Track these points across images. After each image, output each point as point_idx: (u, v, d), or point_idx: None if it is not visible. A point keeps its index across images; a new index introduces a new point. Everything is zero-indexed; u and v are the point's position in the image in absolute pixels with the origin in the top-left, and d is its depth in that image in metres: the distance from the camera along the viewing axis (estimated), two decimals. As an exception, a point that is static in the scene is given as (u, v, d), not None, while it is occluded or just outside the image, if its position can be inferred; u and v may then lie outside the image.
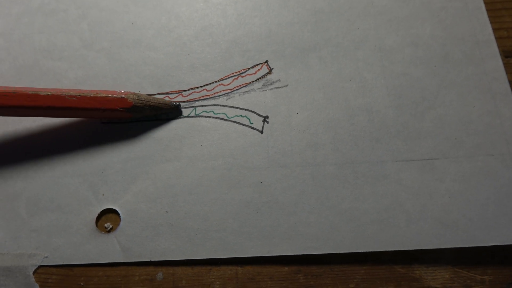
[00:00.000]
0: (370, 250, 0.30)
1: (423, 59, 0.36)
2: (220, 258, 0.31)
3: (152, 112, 0.34)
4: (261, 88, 0.36)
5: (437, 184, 0.32)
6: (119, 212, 0.32)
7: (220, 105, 0.35)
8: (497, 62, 0.35)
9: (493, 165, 0.32)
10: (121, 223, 0.32)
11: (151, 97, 0.34)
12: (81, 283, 0.31)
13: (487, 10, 0.38)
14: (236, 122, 0.35)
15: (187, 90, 0.36)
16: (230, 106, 0.35)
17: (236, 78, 0.36)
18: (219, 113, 0.35)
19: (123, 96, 0.32)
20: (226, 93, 0.36)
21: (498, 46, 0.37)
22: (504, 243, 0.30)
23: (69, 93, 0.31)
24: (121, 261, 0.31)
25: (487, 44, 0.36)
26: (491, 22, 0.37)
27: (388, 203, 0.31)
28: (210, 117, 0.35)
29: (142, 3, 0.39)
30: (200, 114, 0.35)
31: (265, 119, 0.34)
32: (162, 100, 0.34)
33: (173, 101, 0.34)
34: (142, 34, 0.38)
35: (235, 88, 0.36)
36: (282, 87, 0.36)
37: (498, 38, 0.37)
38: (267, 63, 0.36)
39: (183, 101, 0.35)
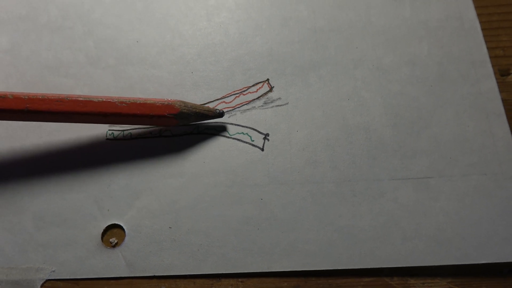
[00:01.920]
0: (366, 267, 0.31)
1: (420, 78, 0.37)
2: (222, 273, 0.32)
3: (197, 119, 0.35)
4: (262, 106, 0.37)
5: (431, 202, 0.33)
6: (124, 227, 0.33)
7: (222, 123, 0.36)
8: (492, 82, 0.36)
9: (486, 184, 0.33)
10: (126, 238, 0.33)
11: (197, 105, 0.35)
12: (87, 297, 0.32)
13: (484, 29, 0.39)
14: (238, 140, 0.36)
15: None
16: (231, 124, 0.36)
17: (238, 96, 0.37)
18: (221, 131, 0.36)
19: (170, 103, 0.33)
20: (228, 111, 0.36)
21: (495, 65, 0.38)
22: (496, 261, 0.31)
23: (119, 99, 0.33)
24: (126, 276, 0.32)
25: (482, 64, 0.37)
26: (487, 41, 0.38)
27: (384, 221, 0.32)
28: (212, 134, 0.36)
29: (147, 21, 0.40)
30: (203, 131, 0.36)
31: (266, 136, 0.36)
32: (207, 107, 0.35)
33: (218, 109, 0.35)
34: (147, 52, 0.39)
35: (237, 106, 0.37)
36: (283, 105, 0.37)
37: (494, 57, 0.38)
38: (268, 82, 0.37)
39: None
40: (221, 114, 0.35)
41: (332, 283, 0.32)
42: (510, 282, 0.32)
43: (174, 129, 0.36)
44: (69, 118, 0.32)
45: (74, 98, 0.32)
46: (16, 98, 0.31)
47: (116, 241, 0.33)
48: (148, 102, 0.33)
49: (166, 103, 0.33)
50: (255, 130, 0.36)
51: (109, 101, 0.32)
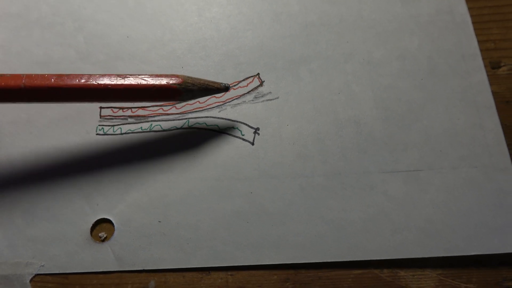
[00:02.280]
0: (356, 259, 0.31)
1: (410, 72, 0.37)
2: (211, 267, 0.32)
3: (201, 93, 0.33)
4: (252, 100, 0.37)
5: (421, 195, 0.33)
6: (113, 221, 0.33)
7: (213, 117, 0.36)
8: (482, 75, 0.36)
9: (476, 176, 0.33)
10: (115, 232, 0.33)
11: (201, 78, 0.33)
12: (76, 291, 0.32)
13: (475, 22, 0.39)
14: (228, 134, 0.35)
15: (181, 102, 0.36)
16: (222, 118, 0.36)
17: (228, 91, 0.37)
18: (212, 125, 0.36)
19: (173, 76, 0.32)
20: (218, 105, 0.36)
21: (485, 58, 0.38)
22: (485, 253, 0.31)
23: (120, 75, 0.32)
24: (115, 270, 0.32)
25: (473, 57, 0.37)
26: (478, 34, 0.38)
27: (374, 213, 0.32)
28: (202, 128, 0.36)
29: (137, 17, 0.40)
30: (193, 126, 0.36)
31: (256, 131, 0.35)
32: (212, 81, 0.34)
33: (223, 83, 0.34)
34: (137, 47, 0.39)
35: (227, 101, 0.37)
36: (273, 99, 0.37)
37: (485, 50, 0.38)
38: (259, 76, 0.37)
39: (177, 113, 0.36)
40: (226, 88, 0.34)
41: (322, 275, 0.32)
42: (500, 273, 0.31)
43: (165, 124, 0.36)
44: (68, 96, 0.31)
45: (73, 75, 0.31)
46: (14, 76, 0.31)
47: (105, 236, 0.33)
48: (151, 75, 0.32)
49: (169, 75, 0.32)
50: (246, 124, 0.36)
51: (111, 76, 0.32)
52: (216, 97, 0.37)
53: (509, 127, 0.35)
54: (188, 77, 0.33)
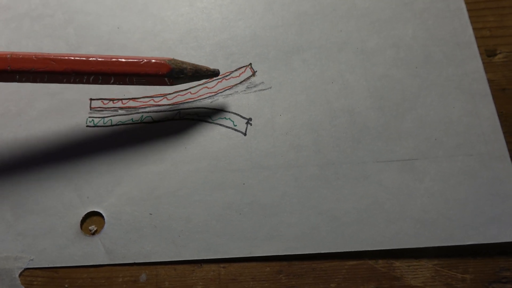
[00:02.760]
0: (350, 250, 0.31)
1: (405, 60, 0.36)
2: (203, 259, 0.31)
3: (192, 77, 0.33)
4: (244, 90, 0.36)
5: (416, 184, 0.32)
6: (104, 214, 0.32)
7: (204, 108, 0.36)
8: (477, 63, 0.35)
9: (472, 165, 0.32)
10: (106, 225, 0.32)
11: (188, 62, 0.33)
12: (66, 285, 0.31)
13: (470, 10, 0.38)
14: (220, 125, 0.35)
15: (172, 94, 0.36)
16: (214, 109, 0.35)
17: (220, 81, 0.36)
18: (203, 116, 0.35)
19: (162, 59, 0.32)
20: (210, 96, 0.36)
21: (481, 46, 0.37)
22: (481, 242, 0.30)
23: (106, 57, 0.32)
24: (106, 263, 0.31)
25: (468, 45, 0.36)
26: (473, 22, 0.38)
27: (368, 203, 0.32)
28: (194, 119, 0.35)
29: (128, 7, 0.39)
30: (184, 117, 0.35)
31: (249, 121, 0.35)
32: (201, 65, 0.34)
33: (214, 68, 0.34)
34: (128, 38, 0.38)
35: (219, 91, 0.36)
36: (266, 89, 0.36)
37: (480, 38, 0.37)
38: (251, 66, 0.37)
39: (168, 104, 0.36)
40: (215, 73, 0.34)
41: (316, 267, 0.31)
42: (497, 263, 0.31)
43: (156, 115, 0.35)
44: (63, 78, 0.31)
45: (76, 56, 0.31)
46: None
47: (95, 229, 0.32)
48: (140, 57, 0.32)
49: (157, 59, 0.32)
50: (238, 114, 0.35)
51: (100, 59, 0.31)
52: (208, 88, 0.36)
53: (505, 115, 0.34)
54: (175, 59, 0.33)
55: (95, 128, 0.35)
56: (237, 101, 0.36)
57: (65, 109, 0.36)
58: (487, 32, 0.38)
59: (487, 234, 0.30)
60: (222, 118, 0.35)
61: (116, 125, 0.35)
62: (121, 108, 0.36)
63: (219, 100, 0.36)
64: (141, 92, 0.36)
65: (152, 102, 0.36)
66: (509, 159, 0.32)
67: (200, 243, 0.32)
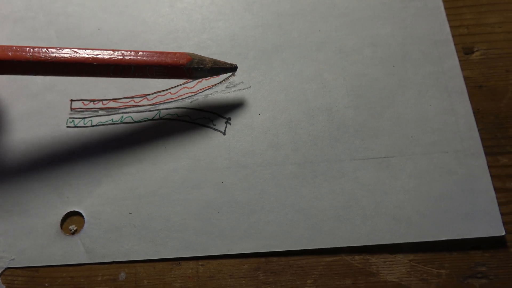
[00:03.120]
0: (327, 247, 0.31)
1: (382, 59, 0.36)
2: (182, 257, 0.32)
3: (210, 71, 0.34)
4: (224, 90, 0.36)
5: (392, 181, 0.32)
6: (83, 214, 0.33)
7: (184, 108, 0.36)
8: (454, 61, 0.36)
9: (447, 161, 0.33)
10: (85, 225, 0.32)
11: (207, 56, 0.34)
12: (46, 284, 0.31)
13: (448, 8, 0.39)
14: (200, 124, 0.35)
15: (152, 94, 0.36)
16: (193, 109, 0.36)
17: (200, 81, 0.37)
18: (183, 116, 0.36)
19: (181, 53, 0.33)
20: (190, 96, 0.36)
21: (458, 43, 0.37)
22: (456, 238, 0.31)
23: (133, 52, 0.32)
24: (85, 262, 0.32)
25: (445, 43, 0.37)
26: (451, 20, 0.38)
27: (345, 201, 0.32)
28: (174, 119, 0.36)
29: (108, 9, 0.39)
30: (164, 117, 0.36)
31: (228, 120, 0.35)
32: (220, 60, 0.34)
33: (233, 63, 0.35)
34: (109, 39, 0.38)
35: (199, 91, 0.36)
36: (245, 89, 0.36)
37: (458, 36, 0.38)
38: (231, 66, 0.37)
39: (148, 105, 0.36)
40: (234, 68, 0.35)
41: (293, 264, 0.32)
42: (472, 258, 0.31)
43: (136, 116, 0.36)
44: (82, 71, 0.32)
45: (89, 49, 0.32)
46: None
47: (75, 228, 0.33)
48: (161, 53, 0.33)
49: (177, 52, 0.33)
50: (217, 114, 0.36)
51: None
52: (188, 88, 0.37)
53: (482, 112, 0.35)
54: (195, 54, 0.33)
55: (75, 128, 0.35)
56: (217, 100, 0.36)
57: (45, 110, 0.36)
58: (464, 30, 0.38)
59: (462, 229, 0.31)
60: (201, 118, 0.35)
61: (96, 125, 0.35)
62: (101, 108, 0.36)
63: (199, 100, 0.36)
64: (122, 93, 0.36)
65: (132, 103, 0.36)
66: (484, 156, 0.33)
67: (179, 242, 0.32)
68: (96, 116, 0.36)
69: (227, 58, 0.37)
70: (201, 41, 0.38)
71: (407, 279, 0.31)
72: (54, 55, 0.31)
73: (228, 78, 0.37)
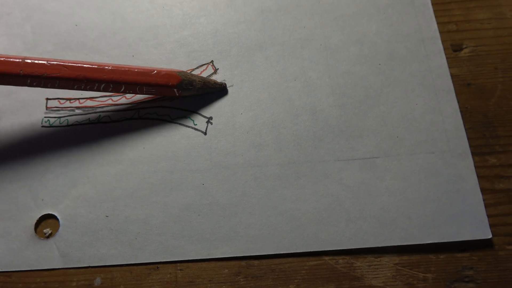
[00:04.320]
0: (310, 250, 0.30)
1: (368, 57, 0.36)
2: (160, 262, 0.31)
3: (199, 90, 0.34)
4: (205, 88, 0.35)
5: (377, 183, 0.31)
6: (58, 217, 0.32)
7: (164, 107, 0.35)
8: (441, 59, 0.35)
9: (433, 162, 0.32)
10: (60, 228, 0.31)
11: (197, 75, 0.35)
12: (19, 290, 0.30)
13: (436, 4, 0.38)
14: (180, 124, 0.34)
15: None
16: (173, 108, 0.35)
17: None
18: (163, 115, 0.34)
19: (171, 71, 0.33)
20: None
21: (447, 40, 0.36)
22: (441, 241, 0.30)
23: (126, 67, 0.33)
24: (60, 267, 0.30)
25: (432, 40, 0.36)
26: (440, 16, 0.37)
27: (329, 203, 0.31)
28: (153, 119, 0.34)
29: (87, 5, 0.38)
30: (143, 116, 0.35)
31: (209, 120, 0.34)
32: (209, 78, 0.35)
33: (222, 81, 0.35)
34: (86, 36, 0.37)
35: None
36: (227, 87, 0.35)
37: (446, 32, 0.37)
38: (212, 64, 0.36)
39: (127, 103, 0.35)
40: (222, 87, 0.35)
41: (275, 268, 0.31)
42: (460, 262, 0.31)
43: (114, 115, 0.35)
44: (75, 85, 0.32)
45: (89, 63, 0.32)
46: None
47: (50, 232, 0.31)
48: (151, 68, 0.33)
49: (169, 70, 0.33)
50: (198, 113, 0.35)
51: (113, 68, 0.32)
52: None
53: (470, 110, 0.34)
54: (185, 73, 0.33)
55: (51, 128, 0.34)
56: (198, 99, 0.35)
57: (20, 109, 0.35)
58: (453, 26, 0.37)
59: (448, 232, 0.30)
60: (182, 117, 0.34)
61: (72, 125, 0.34)
62: (78, 107, 0.35)
63: (179, 99, 0.35)
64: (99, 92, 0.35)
65: (110, 102, 0.35)
66: (470, 156, 0.32)
67: (157, 246, 0.31)
68: (73, 115, 0.35)
69: (208, 55, 0.36)
70: (182, 37, 0.37)
71: (392, 284, 0.30)
72: (45, 72, 0.30)
73: (210, 76, 0.36)
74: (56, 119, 0.34)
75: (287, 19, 0.37)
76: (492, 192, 0.32)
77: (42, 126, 0.34)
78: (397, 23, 0.37)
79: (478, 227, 0.30)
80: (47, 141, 0.34)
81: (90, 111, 0.35)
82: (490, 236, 0.30)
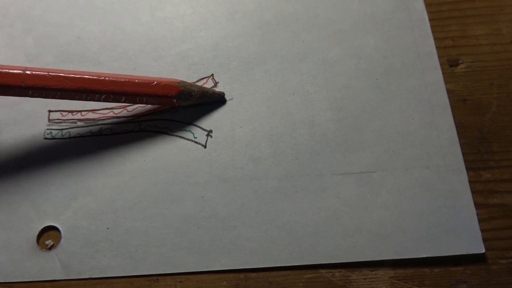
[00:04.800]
0: (307, 263, 0.31)
1: (366, 71, 0.36)
2: (160, 274, 0.31)
3: (198, 100, 0.35)
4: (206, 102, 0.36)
5: (373, 197, 0.32)
6: (60, 229, 0.32)
7: (164, 120, 0.35)
8: (438, 74, 0.36)
9: (428, 177, 0.32)
10: (62, 240, 0.32)
11: (196, 84, 0.35)
12: (21, 301, 0.31)
13: (433, 19, 0.38)
14: (180, 137, 0.35)
15: (132, 105, 0.36)
16: (174, 120, 0.35)
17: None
18: (164, 128, 0.35)
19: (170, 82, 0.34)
20: (170, 108, 0.36)
21: (443, 56, 0.37)
22: (436, 255, 0.31)
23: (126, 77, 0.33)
24: (61, 279, 0.31)
25: (429, 55, 0.36)
26: (436, 31, 0.38)
27: (326, 216, 0.32)
28: (154, 131, 0.35)
29: (88, 17, 0.39)
30: (144, 129, 0.35)
31: (209, 133, 0.35)
32: (208, 88, 0.36)
33: (220, 91, 0.36)
34: (87, 48, 0.38)
35: (180, 103, 0.36)
36: (227, 100, 0.36)
37: (443, 48, 0.37)
38: (213, 77, 0.37)
39: (128, 116, 0.35)
40: (221, 96, 0.36)
41: (272, 280, 0.31)
42: (453, 275, 0.31)
43: (115, 127, 0.35)
44: (76, 96, 0.32)
45: (89, 74, 0.32)
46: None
47: (52, 243, 0.32)
48: (150, 78, 0.34)
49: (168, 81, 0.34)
50: (198, 127, 0.35)
51: (113, 79, 0.32)
52: (168, 99, 0.36)
53: (465, 126, 0.35)
54: (184, 83, 0.34)
55: (53, 140, 0.35)
56: (198, 112, 0.35)
57: (22, 121, 0.35)
58: (450, 42, 0.38)
59: (442, 246, 0.31)
60: (182, 130, 0.35)
61: (74, 137, 0.35)
62: (80, 120, 0.35)
63: (179, 112, 0.35)
64: (101, 104, 0.36)
65: (111, 114, 0.35)
66: (465, 171, 0.33)
67: (158, 258, 0.31)
68: (75, 127, 0.35)
69: (208, 68, 0.37)
70: (182, 50, 0.37)
71: (387, 296, 0.31)
72: (46, 84, 0.30)
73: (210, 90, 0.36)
74: (58, 131, 0.35)
75: (286, 33, 0.38)
76: (486, 207, 0.32)
77: (44, 138, 0.35)
78: (394, 38, 0.37)
79: (471, 242, 0.31)
80: (49, 153, 0.34)
81: (92, 124, 0.35)
82: (483, 250, 0.31)
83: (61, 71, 0.31)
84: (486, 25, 0.38)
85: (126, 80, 0.32)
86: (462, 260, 0.31)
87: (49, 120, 0.35)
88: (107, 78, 0.32)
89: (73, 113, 0.36)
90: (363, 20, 0.38)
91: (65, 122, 0.35)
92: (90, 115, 0.36)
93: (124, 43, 0.38)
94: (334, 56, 0.37)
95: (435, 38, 0.38)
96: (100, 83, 0.32)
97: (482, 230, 0.31)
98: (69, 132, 0.35)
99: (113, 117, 0.35)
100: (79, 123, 0.35)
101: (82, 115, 0.36)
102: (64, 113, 0.36)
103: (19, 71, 0.30)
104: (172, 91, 0.33)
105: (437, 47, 0.37)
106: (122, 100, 0.32)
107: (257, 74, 0.37)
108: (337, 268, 0.31)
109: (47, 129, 0.35)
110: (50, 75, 0.31)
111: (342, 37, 0.38)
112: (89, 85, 0.31)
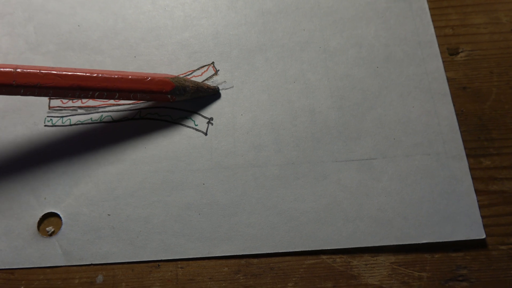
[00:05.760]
0: (308, 249, 0.31)
1: (366, 60, 0.36)
2: (161, 260, 0.31)
3: (193, 95, 0.35)
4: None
5: (374, 183, 0.32)
6: (61, 216, 0.32)
7: (165, 107, 0.35)
8: (438, 62, 0.36)
9: (429, 164, 0.33)
10: (63, 226, 0.32)
11: (190, 79, 0.35)
12: (22, 287, 0.31)
13: (433, 8, 0.38)
14: (181, 124, 0.35)
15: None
16: (175, 108, 0.35)
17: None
18: (164, 115, 0.35)
19: (164, 77, 0.33)
20: (171, 95, 0.36)
21: (443, 44, 0.37)
22: (436, 240, 0.31)
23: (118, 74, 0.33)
24: (62, 265, 0.31)
25: (429, 44, 0.36)
26: (436, 20, 0.38)
27: (327, 203, 0.32)
28: (155, 119, 0.35)
29: (89, 5, 0.39)
30: (145, 117, 0.35)
31: (210, 120, 0.35)
32: (202, 83, 0.35)
33: (215, 85, 0.36)
34: (88, 36, 0.38)
35: (181, 90, 0.36)
36: (228, 88, 0.36)
37: (443, 36, 0.38)
38: (213, 65, 0.37)
39: (128, 103, 0.35)
40: (215, 91, 0.36)
41: (273, 266, 0.31)
42: (454, 261, 0.31)
43: (116, 115, 0.35)
44: (69, 94, 0.32)
45: (82, 71, 0.32)
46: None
47: (52, 230, 0.32)
48: (144, 74, 0.33)
49: (162, 76, 0.33)
50: (199, 114, 0.35)
51: (106, 76, 0.32)
52: (169, 87, 0.36)
53: (466, 114, 0.35)
54: (177, 78, 0.34)
55: (53, 127, 0.35)
56: (199, 100, 0.35)
57: (22, 109, 0.35)
58: (449, 31, 0.38)
59: (443, 232, 0.31)
60: (183, 118, 0.35)
61: (75, 124, 0.35)
62: (80, 107, 0.35)
63: (180, 100, 0.35)
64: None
65: (112, 101, 0.35)
66: (465, 158, 0.33)
67: (159, 244, 0.31)
68: (75, 115, 0.35)
69: (209, 57, 0.37)
70: (183, 39, 0.37)
71: (388, 282, 0.31)
72: (38, 82, 0.30)
73: (210, 77, 0.36)
74: (58, 118, 0.35)
75: (287, 21, 0.38)
76: (486, 194, 0.33)
77: (45, 126, 0.35)
78: (394, 26, 0.37)
79: (472, 228, 0.31)
80: (50, 140, 0.34)
81: (92, 111, 0.35)
82: (483, 236, 0.31)
83: (53, 69, 0.31)
84: (485, 14, 0.39)
85: (120, 76, 0.32)
86: (463, 246, 0.31)
87: (50, 107, 0.35)
88: (100, 75, 0.31)
89: (74, 101, 0.36)
90: (364, 9, 0.38)
91: (65, 110, 0.35)
92: (91, 103, 0.36)
93: (125, 31, 0.38)
94: (335, 44, 0.37)
95: (435, 27, 0.38)
96: (93, 80, 0.31)
97: (482, 216, 0.31)
98: (69, 119, 0.35)
99: (113, 105, 0.35)
100: (79, 111, 0.35)
101: (83, 103, 0.36)
102: (64, 101, 0.36)
103: (10, 69, 0.30)
104: (167, 87, 0.33)
105: (437, 36, 0.37)
106: (116, 96, 0.32)
107: (258, 63, 0.37)
108: (338, 254, 0.31)
109: (48, 116, 0.35)
110: (42, 72, 0.30)
111: (343, 25, 0.38)
112: (82, 82, 0.31)
